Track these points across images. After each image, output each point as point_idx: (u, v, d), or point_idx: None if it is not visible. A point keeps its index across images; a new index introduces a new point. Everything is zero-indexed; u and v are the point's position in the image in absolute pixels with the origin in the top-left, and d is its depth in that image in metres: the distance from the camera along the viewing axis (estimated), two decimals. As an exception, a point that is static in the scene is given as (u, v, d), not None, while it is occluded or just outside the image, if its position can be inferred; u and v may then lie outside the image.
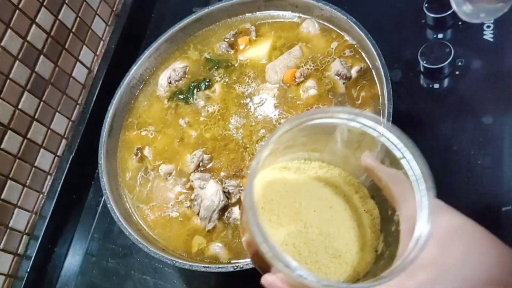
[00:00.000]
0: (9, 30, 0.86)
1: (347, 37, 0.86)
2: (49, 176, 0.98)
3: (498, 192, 0.75)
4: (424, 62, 0.84)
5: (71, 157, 0.99)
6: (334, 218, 0.46)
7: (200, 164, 0.82)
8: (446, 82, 0.86)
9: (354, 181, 0.49)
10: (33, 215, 0.95)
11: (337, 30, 0.87)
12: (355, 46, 0.84)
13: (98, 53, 1.10)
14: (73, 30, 1.01)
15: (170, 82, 0.93)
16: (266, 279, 0.43)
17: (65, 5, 0.98)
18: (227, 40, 0.94)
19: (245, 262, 0.70)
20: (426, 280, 0.38)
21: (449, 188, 0.75)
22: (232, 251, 0.75)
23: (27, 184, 0.93)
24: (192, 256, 0.77)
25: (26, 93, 0.91)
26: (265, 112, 0.84)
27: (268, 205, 0.46)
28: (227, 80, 0.90)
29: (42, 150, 0.96)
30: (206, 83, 0.91)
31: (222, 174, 0.81)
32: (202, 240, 0.77)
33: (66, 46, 1.00)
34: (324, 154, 0.50)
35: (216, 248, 0.76)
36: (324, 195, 0.47)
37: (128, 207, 0.84)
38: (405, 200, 0.41)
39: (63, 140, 1.01)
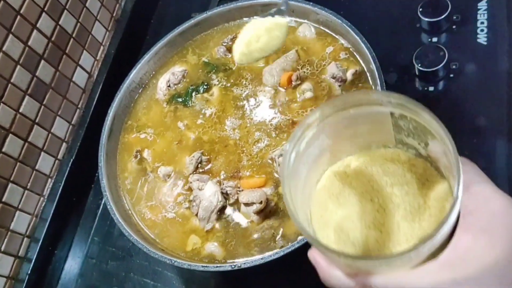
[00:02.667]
0: (10, 35, 0.87)
1: (342, 41, 0.87)
2: (49, 179, 0.99)
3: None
4: (419, 65, 0.85)
5: (71, 160, 1.00)
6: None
7: (199, 166, 0.84)
8: (440, 85, 0.87)
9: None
10: (34, 218, 0.96)
11: (333, 34, 0.88)
12: (351, 49, 0.86)
13: (98, 57, 1.11)
14: (74, 35, 1.03)
15: (169, 86, 0.94)
16: (310, 252, 0.45)
17: (65, 11, 1.00)
18: (225, 44, 0.95)
19: (243, 261, 0.71)
20: (466, 276, 0.35)
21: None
22: (227, 250, 0.76)
23: (28, 187, 0.94)
24: (188, 255, 0.78)
25: (27, 97, 0.92)
26: (262, 114, 0.85)
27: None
28: (225, 83, 0.91)
29: (42, 153, 0.97)
30: (205, 86, 0.92)
31: (221, 175, 0.82)
32: (197, 239, 0.78)
33: (67, 51, 1.01)
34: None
35: (212, 246, 0.77)
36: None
37: (128, 208, 0.85)
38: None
39: (64, 143, 1.02)
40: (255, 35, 0.57)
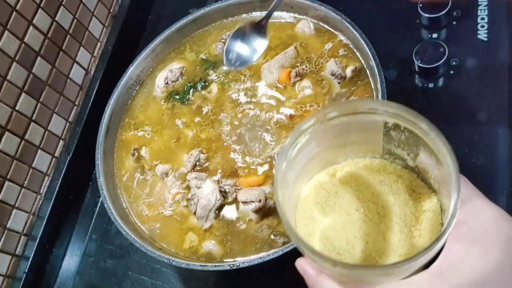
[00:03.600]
0: (6, 32, 0.86)
1: (342, 37, 0.86)
2: (46, 177, 0.99)
3: (492, 190, 0.76)
4: (419, 61, 0.85)
5: (68, 158, 0.99)
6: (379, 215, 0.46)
7: (197, 164, 0.83)
8: (440, 81, 0.86)
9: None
10: (31, 216, 0.95)
11: (332, 30, 0.87)
12: (350, 45, 0.85)
13: (95, 54, 1.10)
14: (70, 31, 1.02)
15: (167, 83, 0.93)
16: (298, 262, 0.45)
17: (62, 7, 0.99)
18: (223, 40, 0.94)
19: (241, 260, 0.71)
20: (458, 285, 0.36)
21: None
22: (225, 249, 0.76)
23: (24, 185, 0.93)
24: (185, 253, 0.77)
25: (23, 94, 0.91)
26: (260, 112, 0.85)
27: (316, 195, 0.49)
28: (223, 80, 0.90)
29: (39, 151, 0.96)
30: (203, 84, 0.91)
31: (219, 173, 0.81)
32: (194, 237, 0.78)
33: (63, 48, 1.00)
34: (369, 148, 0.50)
35: (209, 245, 0.76)
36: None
37: (125, 207, 0.84)
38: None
39: (61, 141, 1.02)
40: None
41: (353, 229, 0.46)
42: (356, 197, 0.47)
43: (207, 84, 0.91)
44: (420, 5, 0.89)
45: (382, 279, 0.40)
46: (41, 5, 0.93)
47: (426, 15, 0.88)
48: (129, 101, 0.95)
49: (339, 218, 0.47)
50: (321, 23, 0.89)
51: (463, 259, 0.37)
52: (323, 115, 0.45)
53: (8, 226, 0.89)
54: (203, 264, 0.71)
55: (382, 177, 0.48)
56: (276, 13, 0.93)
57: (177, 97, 0.92)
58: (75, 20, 1.03)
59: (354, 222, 0.46)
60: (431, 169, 0.44)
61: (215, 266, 0.71)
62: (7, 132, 0.88)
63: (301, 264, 0.45)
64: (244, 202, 0.76)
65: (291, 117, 0.82)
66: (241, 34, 0.82)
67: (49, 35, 0.96)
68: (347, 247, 0.45)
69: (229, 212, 0.78)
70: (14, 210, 0.91)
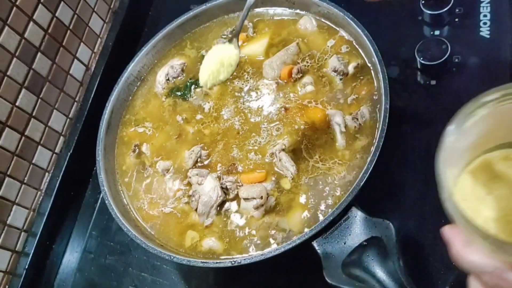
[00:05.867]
0: (6, 27, 0.86)
1: (344, 34, 0.86)
2: (47, 173, 0.98)
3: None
4: (421, 58, 0.85)
5: (68, 154, 0.99)
6: None
7: (198, 160, 0.82)
8: (443, 78, 0.86)
9: None
10: (31, 212, 0.95)
11: (334, 27, 0.87)
12: (353, 42, 0.84)
13: (95, 50, 1.10)
14: (71, 27, 1.01)
15: (168, 79, 0.93)
16: (445, 229, 0.43)
17: (62, 2, 0.98)
18: (225, 36, 0.94)
19: (242, 257, 0.70)
20: None
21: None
22: (226, 245, 0.76)
23: (25, 181, 0.93)
24: (186, 250, 0.77)
25: (23, 90, 0.91)
26: (262, 108, 0.84)
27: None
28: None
29: (39, 147, 0.96)
30: (204, 80, 0.91)
31: (220, 170, 0.81)
32: (194, 234, 0.78)
33: (64, 43, 1.00)
34: None
35: (210, 242, 0.76)
36: None
37: (126, 203, 0.84)
38: None
39: (61, 137, 1.01)
40: (215, 67, 0.74)
41: None
42: None
43: (208, 80, 0.91)
44: (423, 1, 0.88)
45: None
46: (42, 0, 0.93)
47: (429, 12, 0.88)
48: (130, 98, 0.95)
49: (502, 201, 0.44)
50: (323, 20, 0.88)
51: None
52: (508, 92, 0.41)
53: (8, 222, 0.89)
54: (204, 261, 0.71)
55: None
56: (277, 10, 0.93)
57: (178, 93, 0.91)
58: (76, 16, 1.02)
59: None
60: None
61: (216, 263, 0.70)
62: (7, 128, 0.87)
63: (447, 232, 0.42)
64: (246, 199, 0.75)
65: (285, 109, 0.81)
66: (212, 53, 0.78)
67: (49, 31, 0.95)
68: (504, 228, 0.42)
69: (230, 209, 0.78)
70: (14, 206, 0.91)
